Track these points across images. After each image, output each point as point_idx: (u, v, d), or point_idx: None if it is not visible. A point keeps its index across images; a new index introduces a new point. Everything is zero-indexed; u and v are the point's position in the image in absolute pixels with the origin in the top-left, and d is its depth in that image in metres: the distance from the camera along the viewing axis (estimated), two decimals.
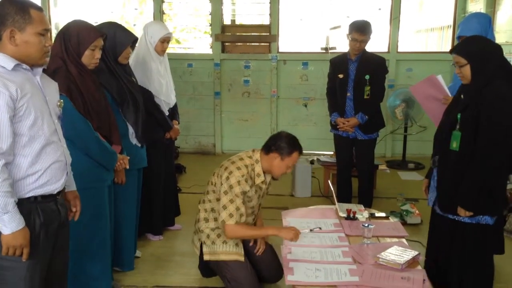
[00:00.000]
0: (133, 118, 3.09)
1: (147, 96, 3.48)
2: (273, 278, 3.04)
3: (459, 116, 2.49)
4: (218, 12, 6.55)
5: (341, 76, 4.04)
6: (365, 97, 4.00)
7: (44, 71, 2.01)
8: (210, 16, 6.60)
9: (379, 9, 6.51)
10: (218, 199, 2.85)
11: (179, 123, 3.92)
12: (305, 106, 6.70)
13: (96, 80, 2.70)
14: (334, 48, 6.39)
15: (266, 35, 6.59)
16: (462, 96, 2.59)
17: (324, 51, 6.48)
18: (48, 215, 1.96)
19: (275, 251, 3.06)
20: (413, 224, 4.12)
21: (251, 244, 2.98)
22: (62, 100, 2.09)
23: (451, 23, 6.52)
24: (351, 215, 3.13)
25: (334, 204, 3.43)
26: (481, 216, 2.50)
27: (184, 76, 6.71)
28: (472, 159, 2.43)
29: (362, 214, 3.16)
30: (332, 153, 4.98)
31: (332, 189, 3.57)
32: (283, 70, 6.65)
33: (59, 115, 2.05)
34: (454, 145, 2.50)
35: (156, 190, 3.76)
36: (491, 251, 2.71)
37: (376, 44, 5.75)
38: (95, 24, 2.96)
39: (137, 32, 4.69)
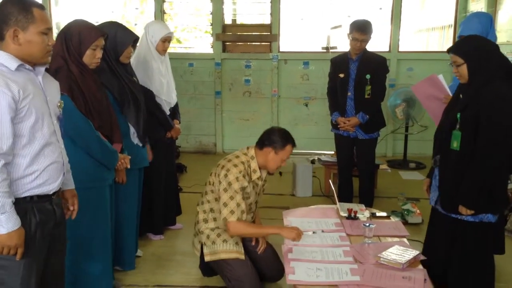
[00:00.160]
0: (134, 118, 3.09)
1: (149, 95, 3.48)
2: (274, 277, 3.05)
3: (459, 115, 2.49)
4: (219, 11, 6.54)
5: (342, 75, 4.04)
6: (366, 96, 3.99)
7: (46, 70, 2.01)
8: (211, 15, 6.60)
9: (380, 8, 6.50)
10: (217, 199, 2.86)
11: (180, 123, 3.93)
12: (306, 105, 6.69)
13: (97, 79, 2.70)
14: (335, 47, 6.39)
15: (267, 34, 6.59)
16: (461, 95, 2.58)
17: (325, 50, 6.48)
18: (44, 215, 1.96)
19: (275, 250, 3.06)
20: (414, 224, 4.12)
21: (253, 243, 2.98)
22: (62, 101, 2.09)
23: (452, 22, 6.51)
24: (352, 214, 3.13)
25: (335, 203, 3.43)
26: (483, 214, 2.50)
27: (185, 75, 6.70)
28: (473, 158, 2.43)
29: (363, 214, 3.16)
30: (333, 152, 4.97)
31: (333, 188, 3.58)
32: (284, 70, 6.64)
33: (59, 116, 2.05)
34: (455, 144, 2.49)
35: (157, 190, 3.76)
36: (491, 250, 2.71)
37: (377, 44, 5.75)
38: (96, 24, 2.96)
39: (138, 31, 4.69)
